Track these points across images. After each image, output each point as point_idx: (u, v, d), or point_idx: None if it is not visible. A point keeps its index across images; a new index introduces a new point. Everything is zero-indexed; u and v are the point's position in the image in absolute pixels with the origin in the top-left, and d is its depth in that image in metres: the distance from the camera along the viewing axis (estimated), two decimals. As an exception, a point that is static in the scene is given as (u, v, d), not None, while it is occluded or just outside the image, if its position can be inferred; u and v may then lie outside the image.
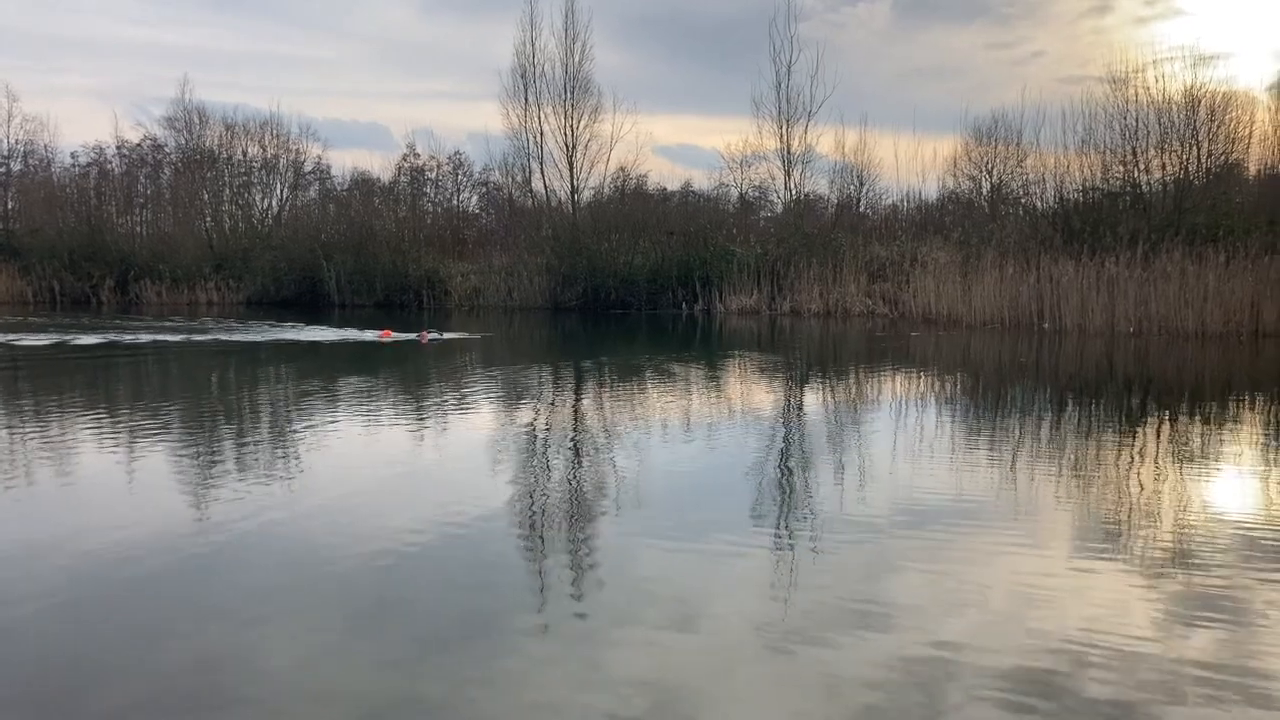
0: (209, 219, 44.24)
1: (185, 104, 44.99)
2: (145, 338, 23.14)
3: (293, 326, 26.54)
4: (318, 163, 48.55)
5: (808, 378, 16.94)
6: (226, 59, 77.55)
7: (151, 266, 40.74)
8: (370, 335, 23.86)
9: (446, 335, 23.31)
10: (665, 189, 43.61)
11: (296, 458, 9.37)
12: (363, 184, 47.74)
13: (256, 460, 9.24)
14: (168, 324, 27.89)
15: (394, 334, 23.45)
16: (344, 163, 53.15)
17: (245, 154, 45.17)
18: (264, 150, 45.04)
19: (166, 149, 47.41)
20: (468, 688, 4.23)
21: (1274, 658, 4.53)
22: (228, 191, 45.45)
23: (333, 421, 11.45)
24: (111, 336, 23.14)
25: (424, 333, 23.11)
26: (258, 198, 45.75)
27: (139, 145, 48.19)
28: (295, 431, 10.94)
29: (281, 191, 45.97)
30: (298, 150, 45.92)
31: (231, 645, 4.73)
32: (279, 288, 39.50)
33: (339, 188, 49.08)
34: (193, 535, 6.62)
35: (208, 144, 45.20)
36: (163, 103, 53.40)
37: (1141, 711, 3.97)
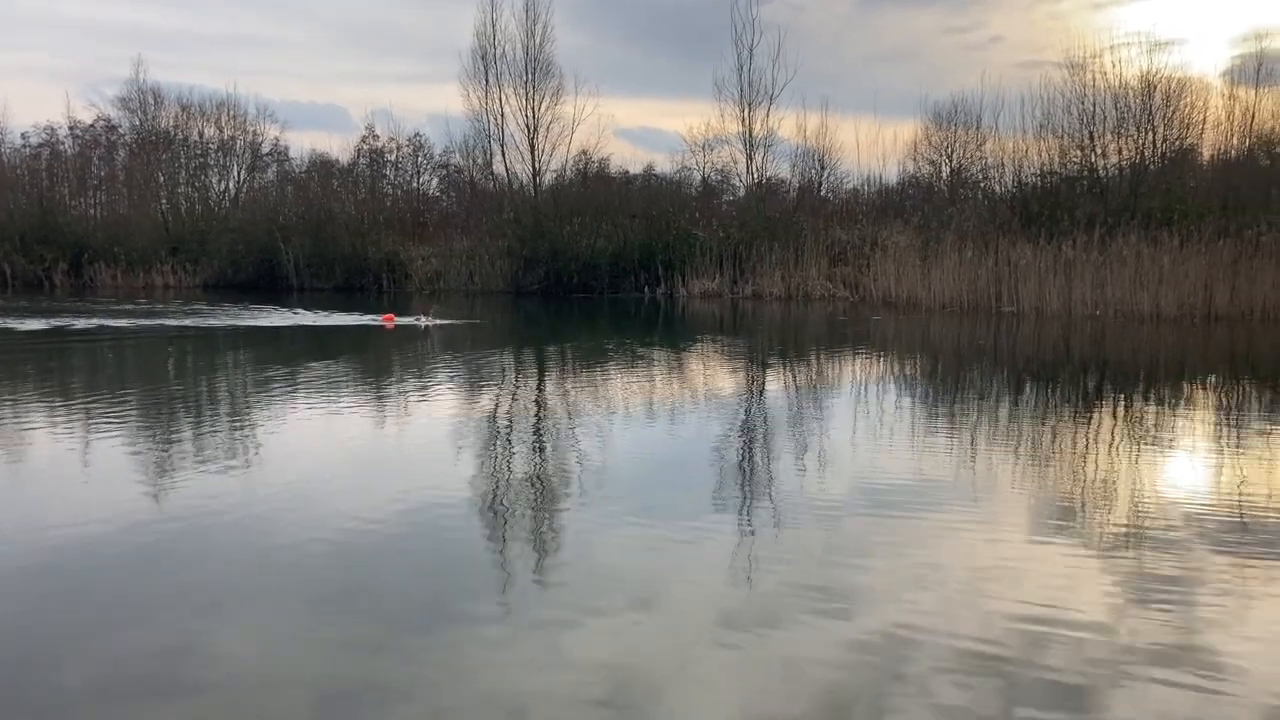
0: (165, 201, 43.60)
1: (140, 84, 44.30)
2: (149, 321, 22.85)
3: (294, 312, 26.05)
4: (275, 144, 47.96)
5: (769, 362, 17.00)
6: (181, 38, 76.34)
7: (106, 249, 40.12)
8: (369, 319, 23.60)
9: (439, 320, 22.83)
10: (628, 172, 43.48)
11: (259, 443, 9.27)
12: (321, 166, 47.18)
13: (219, 446, 9.13)
14: (153, 308, 27.49)
15: (396, 319, 23.18)
16: (302, 144, 52.59)
17: (201, 135, 44.56)
18: (220, 131, 44.45)
19: (121, 130, 46.68)
20: (428, 672, 4.22)
21: (1223, 634, 4.62)
22: (184, 173, 44.80)
23: (300, 407, 11.36)
24: (141, 322, 22.81)
25: (420, 315, 22.75)
26: (214, 180, 45.15)
27: (92, 126, 47.38)
28: (258, 417, 10.83)
29: (238, 173, 45.42)
30: (255, 132, 45.36)
31: (189, 631, 4.69)
32: (236, 271, 39.04)
33: (297, 170, 48.49)
34: (153, 521, 6.54)
35: (163, 125, 44.55)
36: (116, 83, 52.51)
37: (1095, 688, 4.03)
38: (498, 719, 3.83)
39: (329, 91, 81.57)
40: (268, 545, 6.03)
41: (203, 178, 45.05)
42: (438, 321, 22.34)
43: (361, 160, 47.60)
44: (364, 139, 47.98)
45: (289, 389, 12.83)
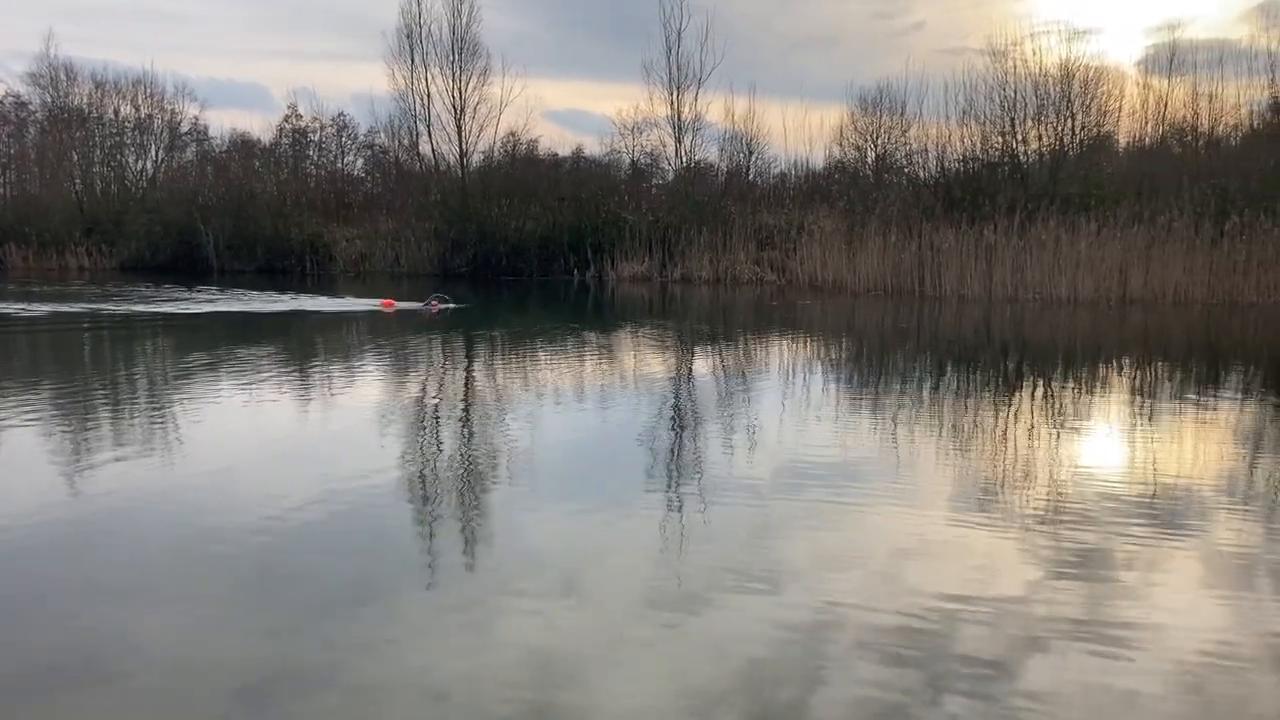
0: (78, 181, 42.35)
1: (50, 59, 42.91)
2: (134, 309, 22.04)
3: (292, 297, 25.28)
4: (194, 123, 46.78)
5: (699, 345, 17.08)
6: (94, 12, 73.91)
7: (16, 229, 38.88)
8: (365, 305, 23.10)
9: (448, 305, 22.26)
10: (556, 154, 43.26)
11: (182, 429, 9.07)
12: (242, 146, 46.19)
13: (138, 430, 8.92)
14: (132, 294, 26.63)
15: (397, 304, 22.68)
16: (222, 123, 51.12)
17: (117, 113, 43.33)
18: (137, 110, 43.25)
19: (31, 107, 45.20)
20: (351, 656, 4.17)
21: (1132, 605, 4.76)
22: (98, 152, 43.52)
23: (226, 393, 11.13)
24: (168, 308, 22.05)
25: (433, 302, 22.28)
26: (131, 159, 43.95)
27: (0, 102, 45.80)
28: (184, 404, 10.60)
29: (156, 153, 44.25)
30: (173, 110, 44.22)
31: (104, 619, 4.58)
32: (154, 252, 38.09)
33: (218, 149, 47.41)
34: (72, 507, 6.37)
35: (76, 102, 43.24)
36: (25, 58, 50.83)
37: (1012, 660, 4.13)
38: (421, 703, 3.80)
39: (250, 69, 79.55)
40: (191, 531, 5.90)
41: (119, 157, 43.82)
42: (447, 306, 21.91)
43: (284, 140, 46.70)
44: (286, 118, 47.12)
45: (215, 374, 12.57)
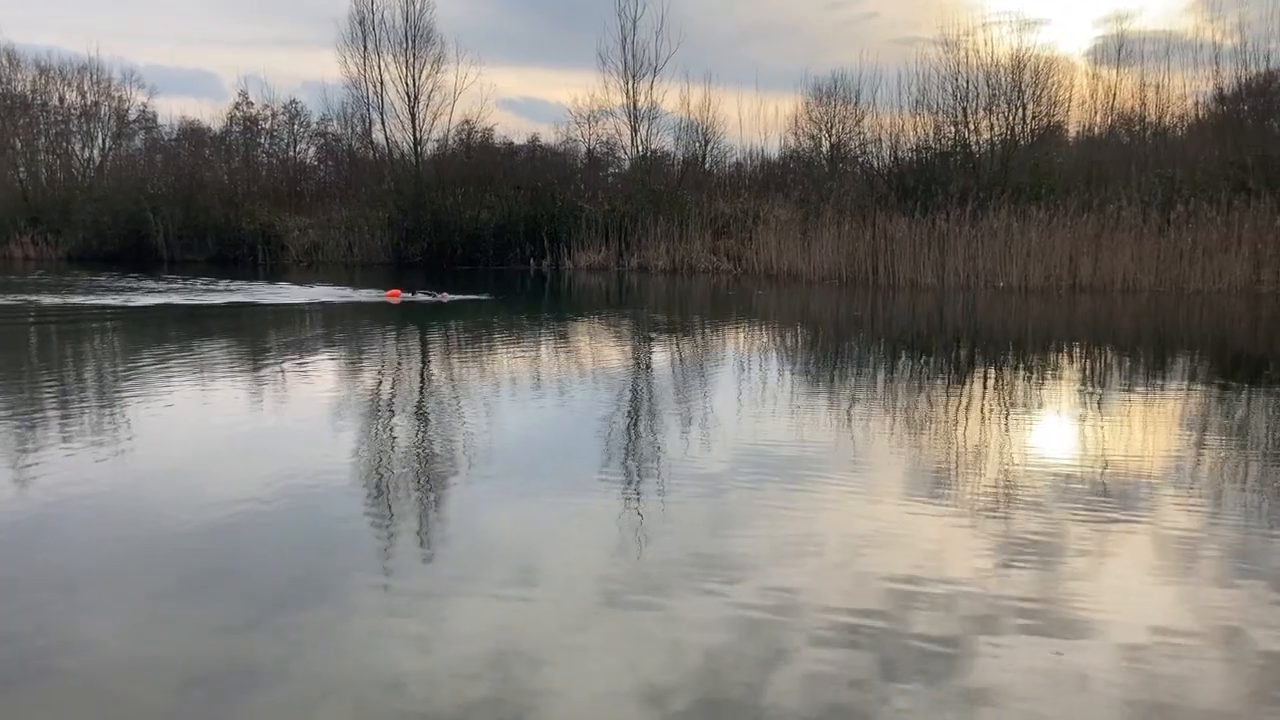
0: (23, 169, 41.52)
1: (-9, 45, 41.94)
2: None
3: (285, 286, 24.90)
4: (142, 110, 46.08)
5: (656, 334, 17.07)
6: (37, -3, 72.25)
7: (-43, 218, 38.12)
8: (365, 295, 22.75)
9: (453, 296, 22.03)
10: (511, 143, 42.99)
11: (133, 423, 8.92)
12: (192, 134, 45.46)
13: (86, 424, 8.77)
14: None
15: (402, 294, 22.30)
16: (171, 111, 50.38)
17: (62, 100, 42.60)
18: (83, 97, 42.52)
19: (-29, 93, 44.15)
20: (303, 652, 4.12)
21: (1081, 590, 4.83)
22: (43, 140, 42.77)
23: (178, 386, 10.95)
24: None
25: (443, 293, 22.04)
26: (77, 147, 43.26)
27: (-61, 88, 44.70)
28: (136, 398, 10.43)
29: (104, 141, 43.57)
30: (120, 97, 43.57)
31: (47, 615, 4.48)
32: (102, 242, 37.51)
33: (167, 137, 46.66)
34: (16, 501, 6.24)
35: (19, 89, 42.39)
36: (-35, 43, 49.71)
37: (964, 647, 4.17)
38: (374, 697, 3.76)
39: (198, 56, 78.52)
40: (140, 524, 5.81)
41: (64, 145, 43.10)
42: (453, 297, 21.69)
43: (235, 128, 45.98)
44: (237, 105, 46.39)
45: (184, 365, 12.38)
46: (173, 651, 4.14)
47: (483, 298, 22.83)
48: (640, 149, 38.26)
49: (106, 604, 4.66)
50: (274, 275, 29.46)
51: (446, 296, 21.68)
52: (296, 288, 24.73)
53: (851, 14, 67.61)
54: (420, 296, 21.99)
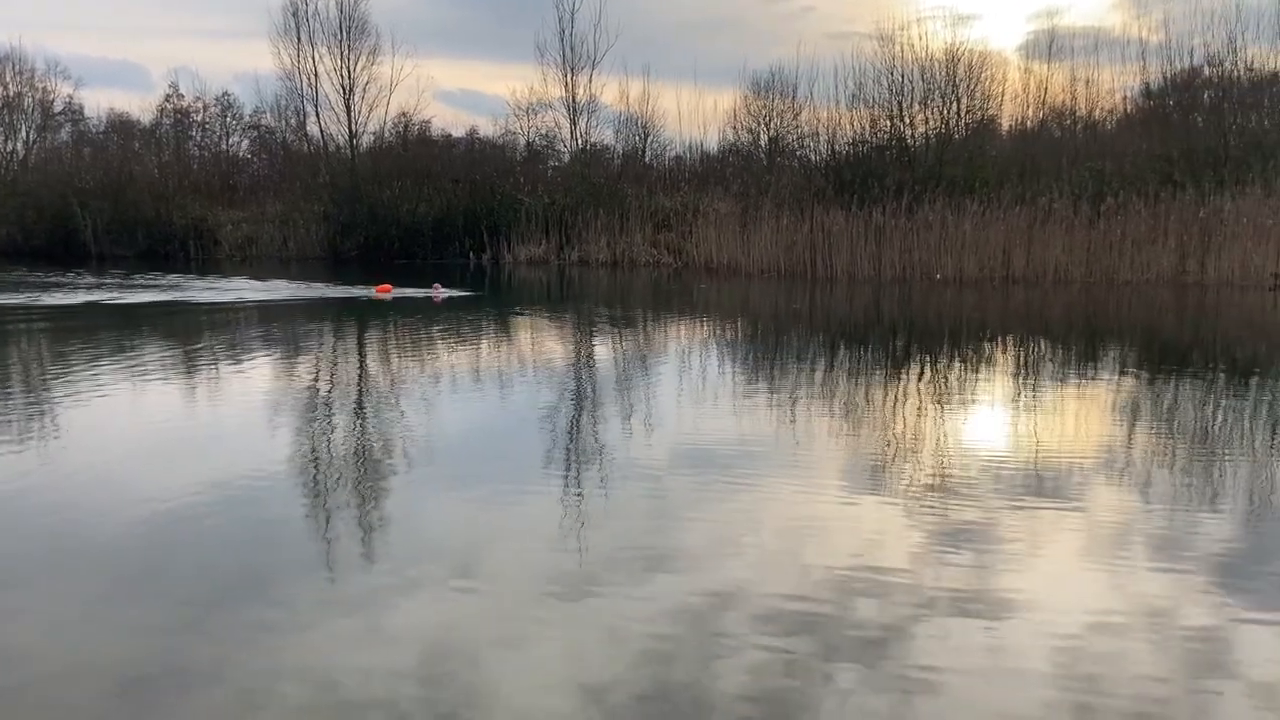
0: (-59, 162, 40.29)
1: (-94, 34, 40.62)
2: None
3: (291, 284, 24.20)
4: (68, 103, 44.88)
5: (597, 328, 17.06)
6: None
7: None
8: (359, 291, 22.22)
9: (452, 291, 21.57)
10: (450, 135, 42.60)
11: (61, 421, 8.71)
12: (121, 126, 44.41)
13: (19, 423, 8.54)
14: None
15: (394, 289, 21.73)
16: (98, 103, 48.99)
17: (-17, 91, 41.28)
18: (5, 88, 41.31)
19: (-115, 83, 42.70)
20: (236, 652, 4.05)
21: (1014, 576, 4.92)
22: (-38, 133, 41.45)
23: (109, 384, 10.70)
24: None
25: (436, 287, 21.50)
26: (0, 140, 41.93)
27: None
28: (63, 396, 10.18)
29: (27, 133, 42.36)
30: (45, 89, 42.39)
31: (-28, 624, 4.37)
32: (27, 237, 36.58)
33: (94, 130, 45.54)
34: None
35: (-64, 80, 41.04)
36: (-121, 32, 48.04)
37: (901, 633, 4.22)
38: (309, 698, 3.71)
39: (125, 47, 76.71)
40: (70, 524, 5.67)
41: (-15, 137, 41.81)
42: (451, 292, 21.30)
43: (165, 121, 45.00)
44: (167, 98, 45.40)
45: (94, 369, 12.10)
46: (106, 654, 4.05)
47: (479, 293, 22.43)
48: (580, 142, 38.20)
49: (37, 606, 4.56)
50: (205, 270, 28.90)
51: (441, 292, 21.25)
52: (254, 282, 24.26)
53: (789, 8, 67.86)
54: (411, 293, 21.57)
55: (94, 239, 35.64)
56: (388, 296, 21.24)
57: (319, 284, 24.04)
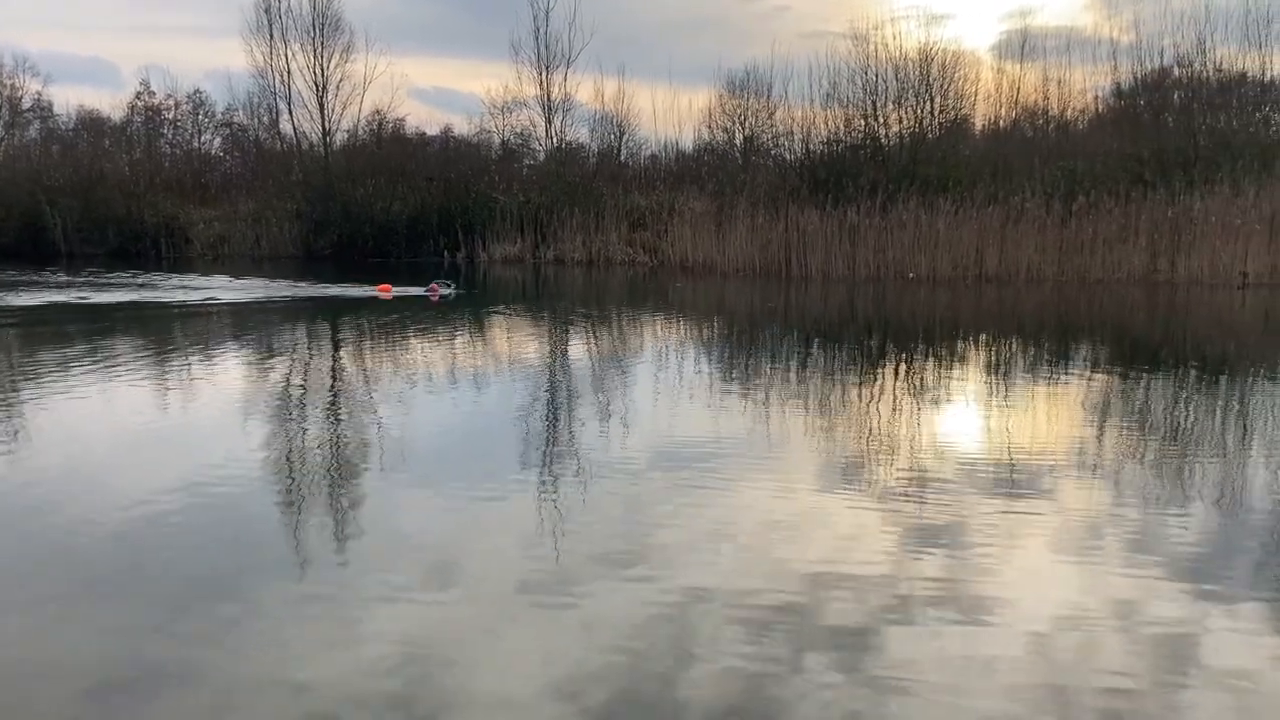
0: (-94, 159, 39.75)
1: None
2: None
3: (293, 284, 23.93)
4: (37, 99, 44.44)
5: (573, 327, 17.04)
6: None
7: None
8: (359, 291, 21.95)
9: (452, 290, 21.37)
10: (424, 134, 42.41)
11: (28, 422, 8.61)
12: (91, 124, 43.99)
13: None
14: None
15: (394, 289, 21.48)
16: (68, 100, 48.40)
17: (-50, 88, 40.81)
18: (-28, 85, 40.84)
19: None
20: (209, 654, 4.02)
21: (989, 574, 4.95)
22: (-72, 129, 40.95)
23: (83, 385, 10.59)
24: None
25: (434, 286, 21.28)
26: (-34, 137, 41.49)
27: None
28: (31, 397, 10.07)
29: (-5, 130, 41.87)
30: (13, 85, 41.96)
31: (-60, 628, 4.32)
32: (-5, 234, 36.14)
33: (64, 127, 45.05)
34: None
35: (-100, 75, 40.53)
36: None
37: (877, 632, 4.25)
38: (283, 700, 3.69)
39: (95, 44, 75.78)
40: (40, 525, 5.62)
41: (-48, 134, 41.31)
42: (451, 291, 21.13)
43: (136, 118, 44.61)
44: (139, 95, 45.01)
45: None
46: (77, 655, 4.02)
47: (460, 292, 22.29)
48: (555, 140, 38.15)
49: (6, 606, 4.51)
50: (177, 269, 28.65)
51: (439, 292, 21.05)
52: (230, 280, 24.07)
53: (764, 7, 67.92)
54: (414, 292, 21.41)
55: (64, 237, 35.26)
56: (388, 296, 21.20)
57: (303, 282, 23.86)
